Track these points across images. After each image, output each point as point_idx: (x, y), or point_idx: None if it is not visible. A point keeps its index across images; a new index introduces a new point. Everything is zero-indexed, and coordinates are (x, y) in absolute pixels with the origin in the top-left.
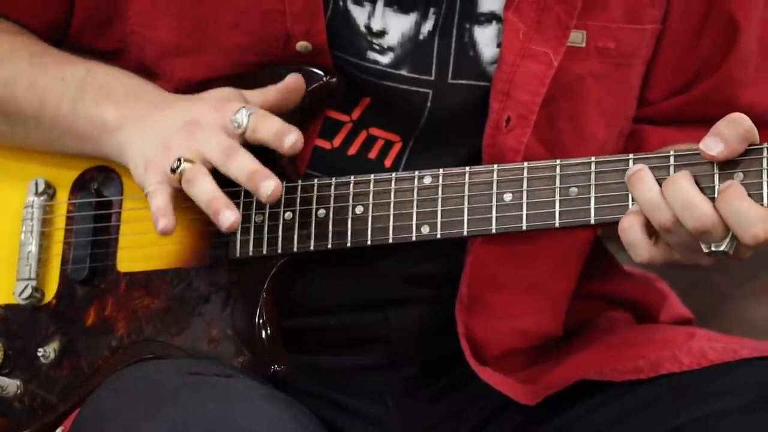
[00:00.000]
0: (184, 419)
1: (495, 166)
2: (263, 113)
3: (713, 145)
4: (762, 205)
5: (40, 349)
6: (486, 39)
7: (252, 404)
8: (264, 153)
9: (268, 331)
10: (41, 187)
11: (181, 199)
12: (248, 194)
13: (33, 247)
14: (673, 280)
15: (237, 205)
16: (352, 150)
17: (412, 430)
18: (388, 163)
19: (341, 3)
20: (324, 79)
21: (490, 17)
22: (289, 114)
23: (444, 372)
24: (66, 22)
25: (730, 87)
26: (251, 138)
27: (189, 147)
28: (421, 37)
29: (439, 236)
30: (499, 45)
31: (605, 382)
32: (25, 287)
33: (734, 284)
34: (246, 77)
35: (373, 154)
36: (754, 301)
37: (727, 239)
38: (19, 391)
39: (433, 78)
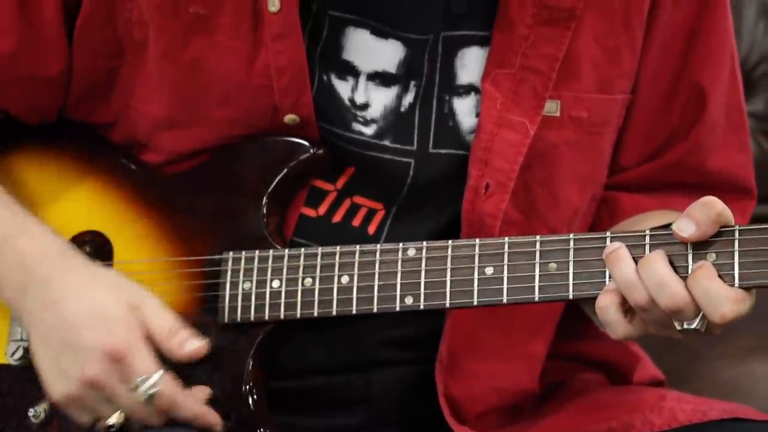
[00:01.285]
0: None
1: (477, 240)
2: (171, 398)
3: (686, 227)
4: (734, 285)
5: (30, 409)
6: (465, 109)
7: None
8: (247, 228)
9: (255, 397)
10: None
11: (171, 251)
12: (236, 261)
13: None
14: (646, 341)
15: (224, 272)
16: (337, 218)
17: None
18: (371, 230)
19: (325, 78)
20: (311, 150)
21: (469, 89)
22: (276, 185)
23: (433, 424)
24: (57, 106)
25: (699, 153)
26: None
27: (108, 405)
28: (402, 109)
29: (422, 307)
30: (477, 115)
31: None
32: (17, 348)
33: (706, 346)
34: (234, 148)
35: (357, 222)
36: (725, 363)
37: (699, 317)
38: None
39: (415, 148)
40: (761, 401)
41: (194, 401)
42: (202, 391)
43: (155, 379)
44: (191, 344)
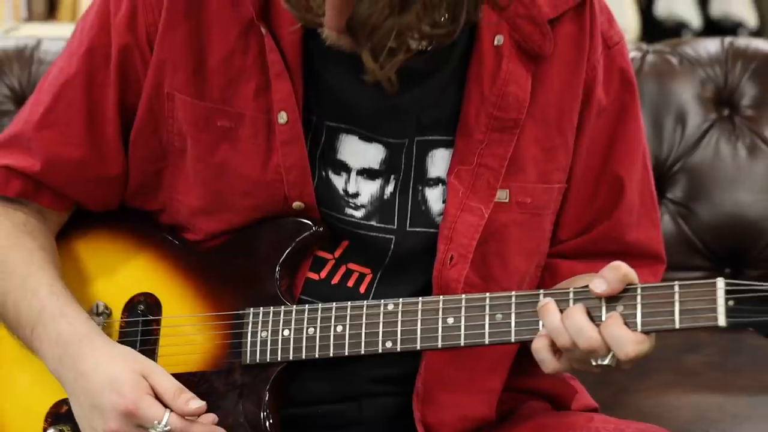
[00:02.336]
0: None
1: (441, 297)
2: (182, 429)
3: (599, 285)
4: (636, 331)
5: None
6: (434, 197)
7: None
8: (264, 289)
9: (271, 421)
10: (101, 308)
11: (206, 308)
12: (256, 315)
13: None
14: (583, 377)
15: (247, 324)
16: (335, 280)
17: None
18: (362, 289)
19: (324, 173)
20: (313, 229)
21: (437, 181)
22: (286, 256)
23: None
24: (118, 199)
25: (619, 229)
26: None
27: None
28: (385, 197)
29: (399, 349)
30: (444, 202)
31: None
32: None
33: (630, 381)
34: (253, 227)
35: (350, 283)
36: (645, 395)
37: (610, 356)
38: None
39: (395, 227)
40: (676, 427)
41: (202, 426)
42: (207, 418)
43: (165, 420)
44: (194, 404)
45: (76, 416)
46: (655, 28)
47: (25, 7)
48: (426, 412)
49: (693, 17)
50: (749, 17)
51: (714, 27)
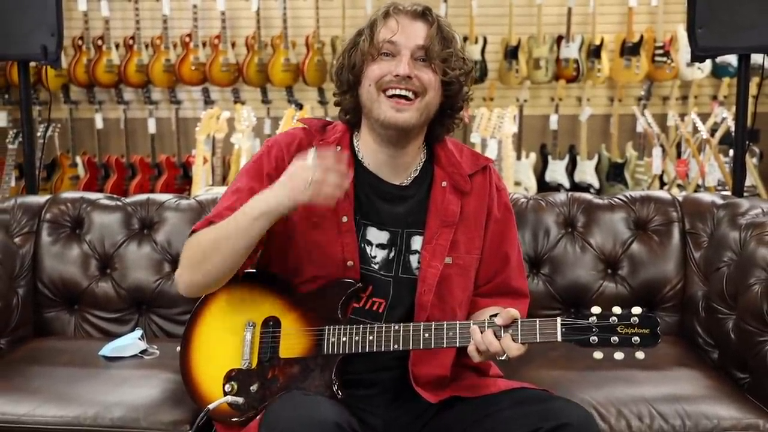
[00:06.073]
0: (305, 410)
1: (422, 323)
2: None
3: (499, 320)
4: (518, 342)
5: (250, 387)
6: (414, 260)
7: (328, 404)
8: (333, 315)
9: (337, 383)
10: (250, 324)
11: (304, 325)
12: (330, 329)
13: (247, 348)
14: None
15: (325, 333)
16: (367, 307)
17: (390, 418)
18: (380, 310)
19: (362, 245)
20: (357, 285)
21: (415, 251)
22: (344, 299)
23: (404, 392)
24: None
25: (508, 280)
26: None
27: (290, 191)
28: (389, 258)
29: (401, 348)
30: (419, 261)
31: (464, 397)
32: (245, 362)
33: (520, 365)
34: (328, 285)
35: (374, 308)
36: (526, 371)
37: (505, 355)
38: (243, 403)
39: (393, 274)
40: (542, 385)
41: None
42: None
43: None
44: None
45: (271, 198)
46: (545, 186)
47: (211, 179)
48: (415, 371)
49: (565, 181)
50: (595, 182)
51: (576, 186)
